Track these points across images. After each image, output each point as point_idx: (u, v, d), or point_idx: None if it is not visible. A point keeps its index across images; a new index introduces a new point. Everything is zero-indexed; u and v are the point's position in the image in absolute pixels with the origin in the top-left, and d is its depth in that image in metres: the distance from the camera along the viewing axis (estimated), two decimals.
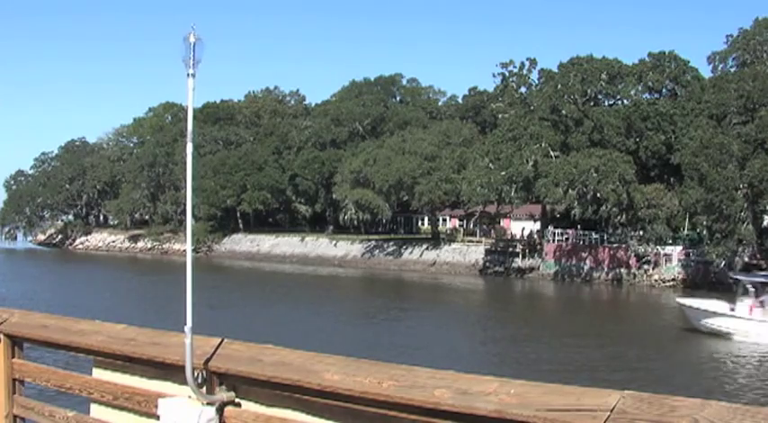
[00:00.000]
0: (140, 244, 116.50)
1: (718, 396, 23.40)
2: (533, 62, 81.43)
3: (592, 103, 76.01)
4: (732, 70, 76.42)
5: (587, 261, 72.83)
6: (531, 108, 76.38)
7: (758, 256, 63.10)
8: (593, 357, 31.74)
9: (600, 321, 44.74)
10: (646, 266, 69.16)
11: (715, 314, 38.57)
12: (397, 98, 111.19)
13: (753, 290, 39.20)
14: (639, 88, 75.57)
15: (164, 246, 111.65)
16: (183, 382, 3.34)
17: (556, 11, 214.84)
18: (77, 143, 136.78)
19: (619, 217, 69.31)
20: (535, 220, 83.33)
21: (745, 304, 38.23)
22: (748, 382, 28.61)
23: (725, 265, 62.82)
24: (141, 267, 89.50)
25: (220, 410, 3.36)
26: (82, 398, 4.11)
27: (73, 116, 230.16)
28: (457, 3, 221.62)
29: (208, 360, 3.36)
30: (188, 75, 3.31)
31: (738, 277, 46.88)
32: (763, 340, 35.56)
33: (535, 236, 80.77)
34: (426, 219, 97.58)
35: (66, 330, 4.22)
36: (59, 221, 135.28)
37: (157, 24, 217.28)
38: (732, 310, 38.39)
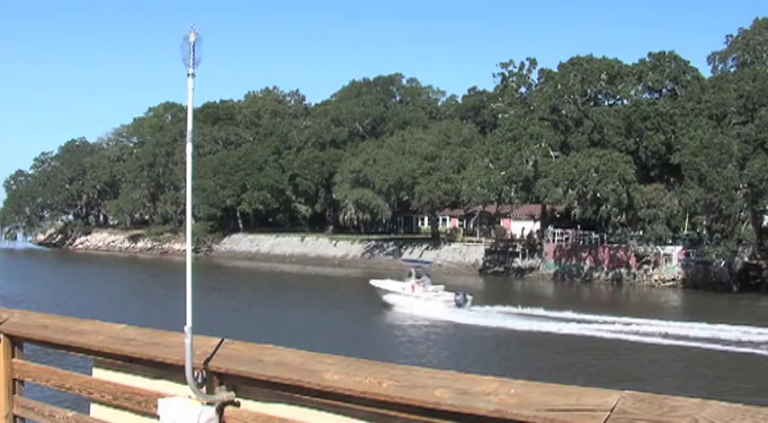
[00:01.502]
0: (140, 244, 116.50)
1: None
2: (533, 62, 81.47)
3: (592, 103, 75.98)
4: (732, 70, 76.44)
5: (587, 261, 72.79)
6: (531, 108, 76.36)
7: (758, 256, 63.09)
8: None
9: None
10: (646, 266, 69.13)
11: (391, 292, 49.11)
12: (397, 98, 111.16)
13: (413, 272, 50.62)
14: (639, 88, 75.54)
15: (163, 246, 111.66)
16: (183, 382, 3.34)
17: (556, 11, 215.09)
18: (77, 143, 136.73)
19: (619, 217, 69.27)
20: (535, 220, 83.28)
21: (408, 284, 49.12)
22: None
23: (725, 265, 62.85)
24: (141, 267, 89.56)
25: (220, 410, 3.36)
26: (82, 398, 4.11)
27: (73, 116, 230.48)
28: (457, 3, 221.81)
29: (208, 360, 3.36)
30: (188, 74, 3.31)
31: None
32: (419, 312, 45.48)
33: (535, 236, 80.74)
34: (426, 219, 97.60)
35: (66, 330, 4.22)
36: (59, 221, 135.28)
37: (157, 24, 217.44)
38: (403, 288, 48.83)
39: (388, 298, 48.82)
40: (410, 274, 50.50)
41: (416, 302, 46.91)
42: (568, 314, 43.75)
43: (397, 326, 43.12)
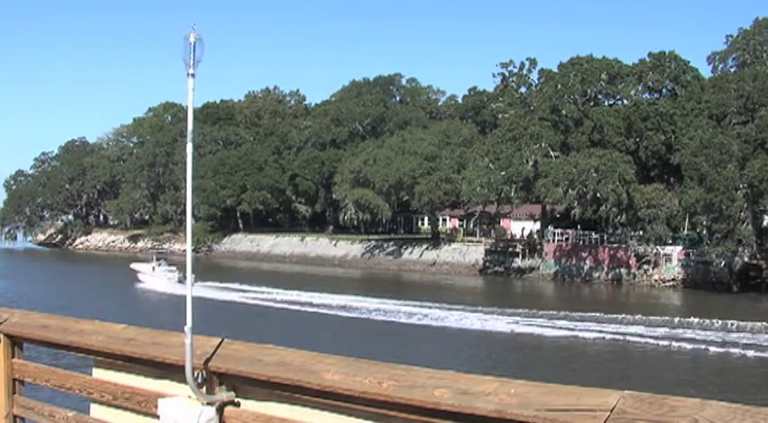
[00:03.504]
0: (140, 244, 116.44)
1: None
2: (533, 62, 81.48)
3: (592, 103, 75.94)
4: (732, 70, 76.38)
5: (587, 261, 72.75)
6: (531, 108, 76.31)
7: (758, 256, 63.03)
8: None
9: None
10: (645, 266, 69.09)
11: (140, 272, 66.25)
12: (397, 98, 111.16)
13: (155, 256, 70.46)
14: (639, 88, 75.52)
15: (164, 246, 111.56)
16: (183, 382, 3.33)
17: (556, 11, 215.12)
18: (77, 143, 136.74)
19: (619, 217, 69.23)
20: (535, 220, 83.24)
21: (151, 265, 67.09)
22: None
23: (725, 264, 62.79)
24: None
25: (220, 410, 3.36)
26: (82, 398, 4.11)
27: (73, 116, 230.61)
28: (457, 3, 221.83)
29: (208, 360, 3.36)
30: (188, 75, 3.31)
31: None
32: (154, 287, 60.51)
33: (535, 236, 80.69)
34: (426, 219, 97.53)
35: (66, 330, 4.22)
36: (59, 221, 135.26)
37: (157, 24, 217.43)
38: (148, 270, 66.20)
39: (139, 276, 65.39)
40: (152, 259, 69.38)
41: (153, 280, 63.09)
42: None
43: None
